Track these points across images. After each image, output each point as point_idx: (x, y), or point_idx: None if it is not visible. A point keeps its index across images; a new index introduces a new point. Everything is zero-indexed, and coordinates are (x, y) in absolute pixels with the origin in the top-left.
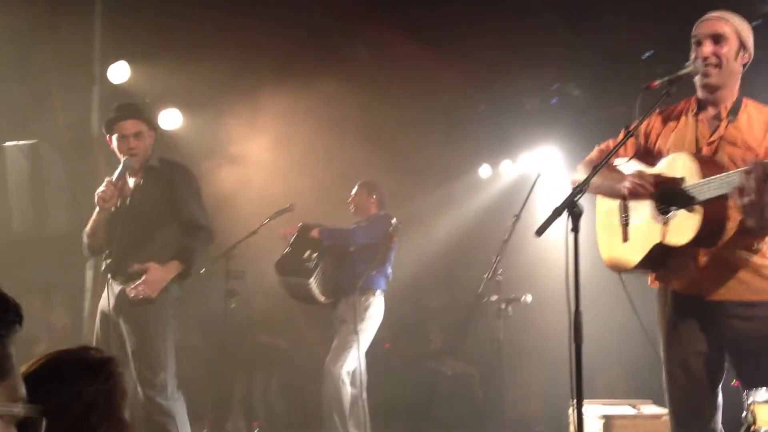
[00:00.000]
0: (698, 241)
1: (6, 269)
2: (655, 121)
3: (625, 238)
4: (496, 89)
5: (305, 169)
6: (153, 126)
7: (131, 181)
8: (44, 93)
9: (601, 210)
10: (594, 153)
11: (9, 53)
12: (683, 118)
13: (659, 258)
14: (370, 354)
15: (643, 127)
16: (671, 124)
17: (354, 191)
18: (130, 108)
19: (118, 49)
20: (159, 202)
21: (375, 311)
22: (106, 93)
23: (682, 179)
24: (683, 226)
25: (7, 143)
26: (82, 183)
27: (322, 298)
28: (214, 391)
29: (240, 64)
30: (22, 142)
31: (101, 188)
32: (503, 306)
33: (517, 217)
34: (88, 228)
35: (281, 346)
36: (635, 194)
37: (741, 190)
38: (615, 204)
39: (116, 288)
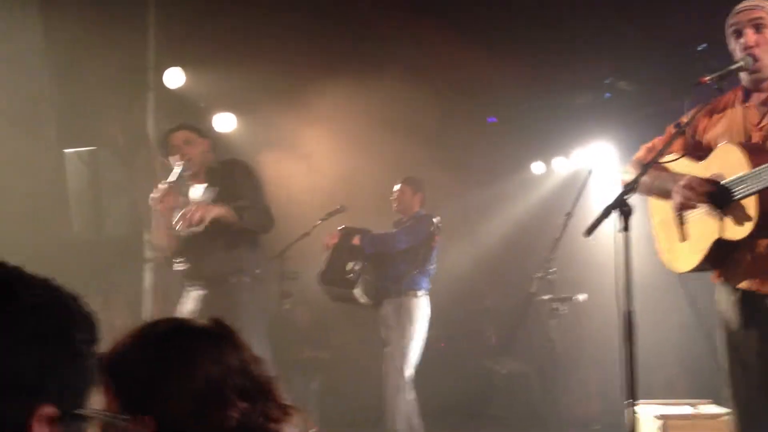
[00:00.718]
0: (757, 233)
1: (67, 272)
2: (704, 115)
3: (683, 238)
4: (548, 84)
5: (357, 168)
6: (204, 134)
7: (199, 189)
8: (101, 100)
9: (656, 210)
10: (641, 152)
11: (65, 62)
12: (731, 108)
13: (720, 254)
14: (424, 354)
15: (693, 123)
16: (719, 115)
17: (397, 188)
18: (178, 124)
19: (172, 56)
20: (225, 201)
21: (421, 312)
22: (161, 99)
23: (732, 172)
24: (740, 219)
25: (67, 150)
26: (139, 187)
27: (364, 300)
28: None
29: (291, 65)
30: (81, 149)
31: (154, 192)
32: (556, 305)
33: (569, 214)
34: (153, 238)
35: (324, 357)
36: (685, 208)
37: None
38: (669, 203)
39: (195, 292)
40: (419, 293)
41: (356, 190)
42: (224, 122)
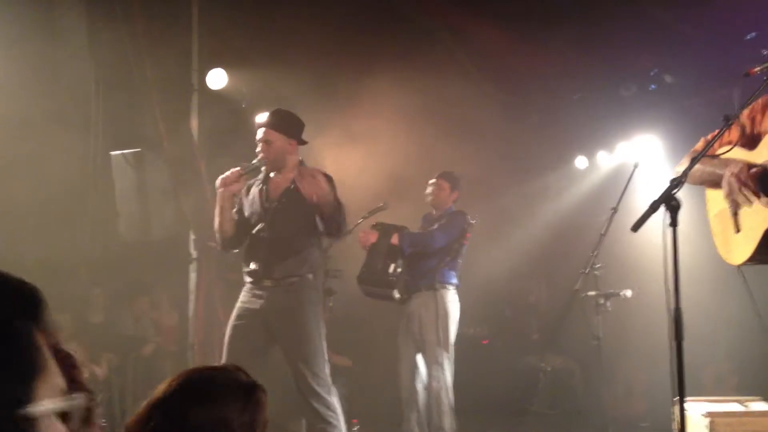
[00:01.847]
0: None
1: (115, 272)
2: (759, 107)
3: (738, 229)
4: (591, 77)
5: (397, 164)
6: (291, 135)
7: (280, 187)
8: (146, 103)
9: (713, 202)
10: (699, 144)
11: (111, 66)
12: None
13: None
14: (467, 350)
15: (746, 114)
16: None
17: (433, 182)
18: (269, 115)
19: (215, 57)
20: (306, 208)
21: (452, 306)
22: (204, 100)
23: None
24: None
25: (114, 152)
26: (184, 188)
27: (398, 296)
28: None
29: (332, 64)
30: (127, 151)
31: (226, 174)
32: (602, 301)
33: (615, 209)
34: (216, 223)
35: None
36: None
37: None
38: (721, 194)
39: (261, 291)
40: (449, 287)
41: (399, 187)
42: None
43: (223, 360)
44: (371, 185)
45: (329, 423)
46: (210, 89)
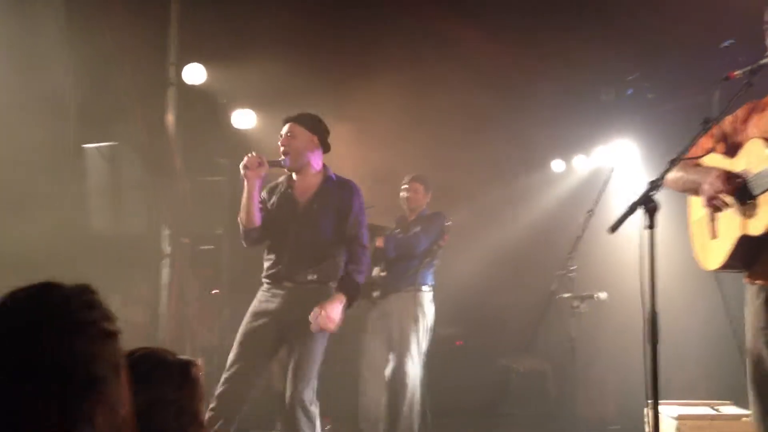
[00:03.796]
0: None
1: (86, 268)
2: (744, 113)
3: (714, 235)
4: (570, 81)
5: (378, 165)
6: (314, 131)
7: (307, 191)
8: (122, 96)
9: (694, 207)
10: (682, 148)
11: (87, 58)
12: None
13: (747, 253)
14: (442, 351)
15: (729, 121)
16: (759, 115)
17: (407, 185)
18: (297, 114)
19: (194, 52)
20: (334, 216)
21: (428, 308)
22: (181, 95)
23: (758, 168)
24: (760, 215)
25: (87, 145)
26: (159, 184)
27: (376, 295)
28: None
29: (313, 63)
30: (101, 144)
31: (246, 158)
32: (576, 303)
33: (591, 212)
34: (241, 214)
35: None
36: (712, 205)
37: None
38: (700, 200)
39: (280, 293)
40: (427, 288)
41: (378, 188)
42: (244, 119)
43: (231, 360)
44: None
45: None
46: (188, 84)
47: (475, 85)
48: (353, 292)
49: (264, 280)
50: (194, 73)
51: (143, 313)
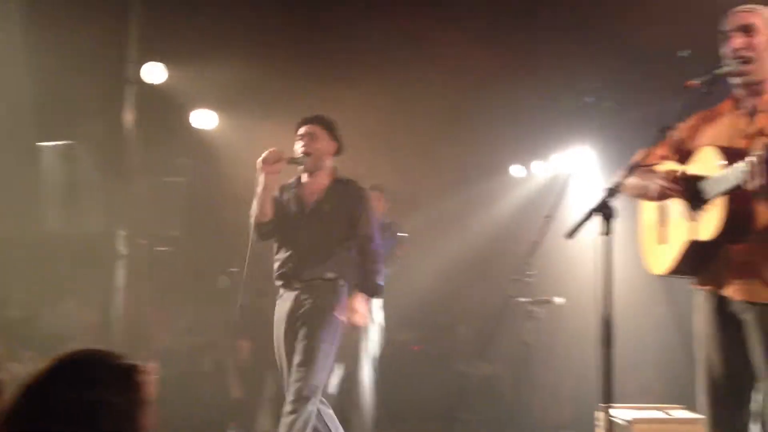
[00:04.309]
0: (724, 235)
1: (40, 267)
2: (696, 122)
3: (662, 240)
4: (530, 88)
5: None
6: (333, 133)
7: (316, 192)
8: (80, 94)
9: (644, 212)
10: (637, 156)
11: (45, 55)
12: (723, 116)
13: (695, 258)
14: (399, 355)
15: (682, 130)
16: (712, 123)
17: None
18: (314, 115)
19: (154, 50)
20: (342, 216)
21: (376, 314)
22: (141, 94)
23: (707, 174)
24: (709, 221)
25: (43, 143)
26: (116, 183)
27: None
28: (245, 390)
29: (275, 65)
30: (57, 143)
31: (265, 154)
32: (533, 308)
33: (549, 217)
34: (254, 207)
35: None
36: (664, 195)
37: (749, 176)
38: (654, 206)
39: (291, 294)
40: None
41: None
42: (204, 119)
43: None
44: None
45: None
46: (147, 83)
47: (435, 91)
48: (373, 292)
49: (276, 282)
50: (154, 72)
51: (97, 314)
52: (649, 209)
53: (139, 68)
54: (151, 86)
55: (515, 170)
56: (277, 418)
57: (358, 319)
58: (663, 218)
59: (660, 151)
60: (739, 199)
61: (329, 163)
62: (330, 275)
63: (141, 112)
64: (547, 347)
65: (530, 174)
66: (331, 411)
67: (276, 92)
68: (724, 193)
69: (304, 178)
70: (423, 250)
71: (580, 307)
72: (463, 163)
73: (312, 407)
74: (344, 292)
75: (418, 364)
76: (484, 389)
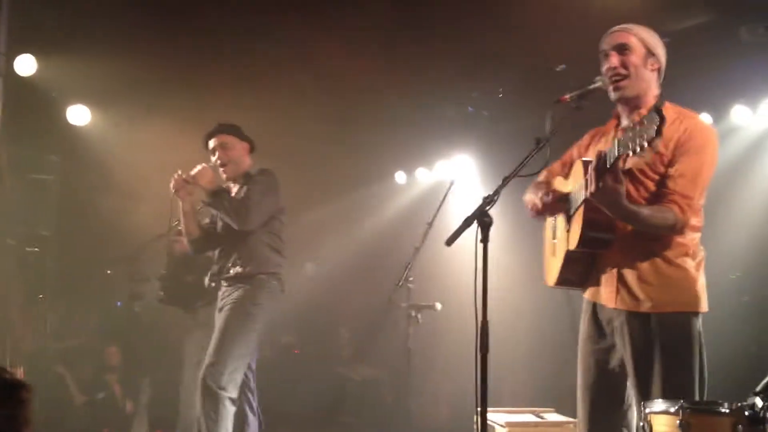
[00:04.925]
0: (585, 244)
1: None
2: (588, 140)
3: (553, 253)
4: (414, 96)
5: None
6: (243, 137)
7: (234, 190)
8: None
9: (546, 228)
10: (542, 175)
11: None
12: (609, 132)
13: (573, 267)
14: (279, 358)
15: (576, 146)
16: (600, 139)
17: None
18: (217, 125)
19: (25, 42)
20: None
21: None
22: (9, 87)
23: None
24: (574, 231)
25: None
26: None
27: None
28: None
29: (151, 62)
30: None
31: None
32: (413, 313)
33: (430, 224)
34: (182, 227)
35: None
36: (546, 210)
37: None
38: (550, 221)
39: (220, 291)
40: None
41: None
42: (78, 115)
43: None
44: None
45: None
46: (17, 75)
47: (320, 98)
48: None
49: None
50: (25, 65)
51: None
52: (548, 224)
53: (10, 60)
54: (20, 79)
55: (399, 177)
56: (152, 424)
57: None
58: (554, 232)
59: (554, 167)
60: (592, 209)
61: (248, 162)
62: (255, 270)
63: (9, 106)
64: (428, 351)
65: (413, 180)
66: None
67: (153, 89)
68: (582, 204)
69: (230, 185)
70: (305, 255)
71: (460, 312)
72: (347, 169)
73: (227, 394)
74: (267, 289)
75: (299, 367)
76: (364, 393)
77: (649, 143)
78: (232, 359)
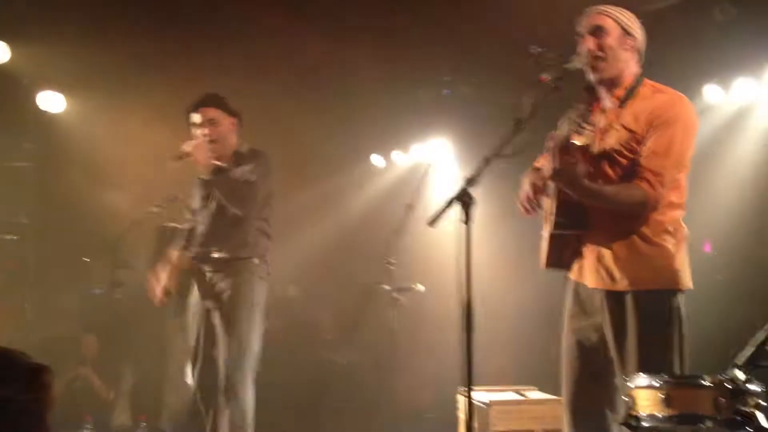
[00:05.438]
0: (562, 225)
1: None
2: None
3: (546, 236)
4: (390, 79)
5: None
6: (228, 107)
7: (234, 171)
8: None
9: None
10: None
11: None
12: (594, 113)
13: (558, 249)
14: (262, 343)
15: None
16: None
17: None
18: (203, 97)
19: None
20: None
21: None
22: None
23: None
24: (550, 214)
25: None
26: None
27: None
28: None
29: (129, 47)
30: None
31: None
32: (396, 295)
33: (410, 206)
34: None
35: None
36: (539, 193)
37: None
38: (546, 206)
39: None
40: None
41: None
42: (51, 102)
43: None
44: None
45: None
46: None
47: (296, 80)
48: None
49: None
50: None
51: None
52: (546, 208)
53: None
54: None
55: (376, 160)
56: (134, 412)
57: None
58: (547, 216)
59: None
60: (562, 191)
61: (234, 139)
62: (242, 253)
63: None
64: (412, 333)
65: (390, 164)
66: None
67: (129, 76)
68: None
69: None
70: (286, 238)
71: (443, 293)
72: (323, 153)
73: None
74: (257, 269)
75: (281, 351)
76: (347, 375)
77: (585, 120)
78: (251, 353)
